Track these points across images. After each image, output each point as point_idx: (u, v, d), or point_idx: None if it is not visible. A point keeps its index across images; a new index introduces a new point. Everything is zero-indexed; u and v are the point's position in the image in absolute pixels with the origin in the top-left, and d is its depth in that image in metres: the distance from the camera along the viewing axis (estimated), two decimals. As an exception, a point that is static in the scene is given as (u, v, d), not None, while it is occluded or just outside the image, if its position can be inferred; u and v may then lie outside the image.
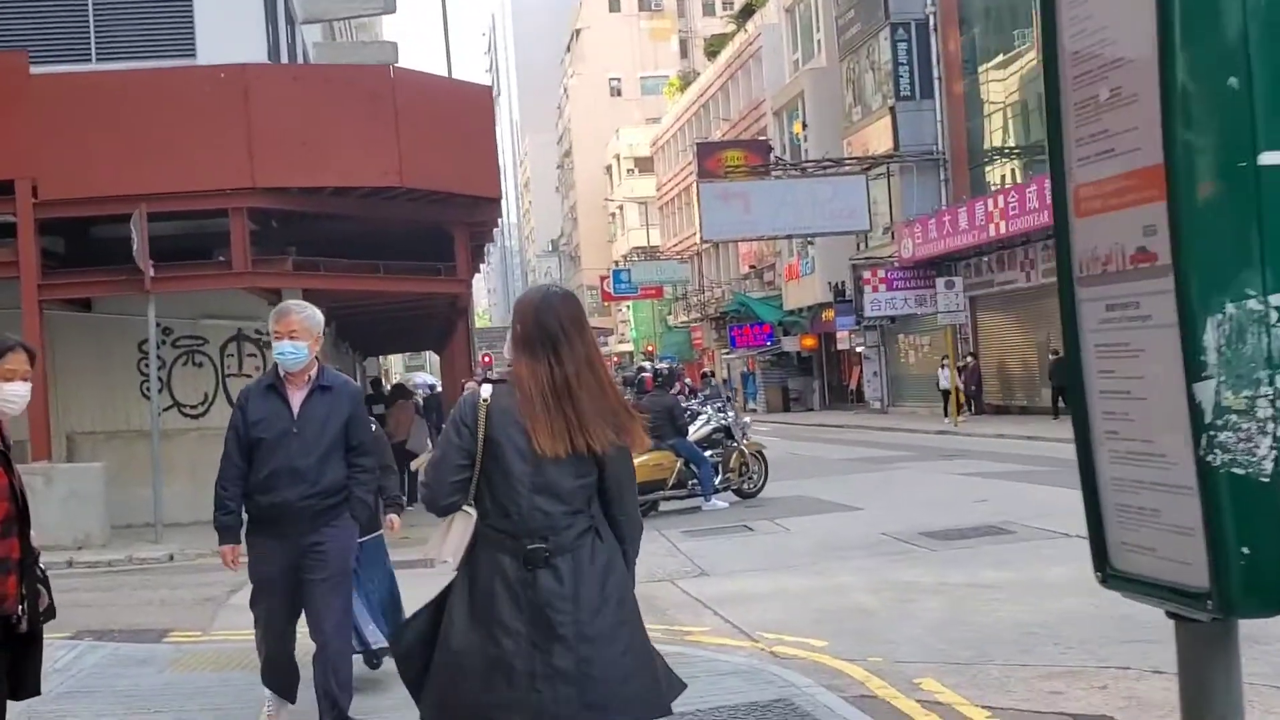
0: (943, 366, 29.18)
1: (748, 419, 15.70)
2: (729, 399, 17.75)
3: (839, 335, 40.06)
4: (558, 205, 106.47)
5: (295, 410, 5.03)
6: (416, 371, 70.37)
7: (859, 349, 38.78)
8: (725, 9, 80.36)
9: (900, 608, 7.42)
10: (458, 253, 14.68)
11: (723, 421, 14.85)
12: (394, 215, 14.14)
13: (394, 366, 66.00)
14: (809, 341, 43.95)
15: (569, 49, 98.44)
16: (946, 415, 28.48)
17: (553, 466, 3.20)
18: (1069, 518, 10.63)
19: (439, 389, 38.78)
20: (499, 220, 16.21)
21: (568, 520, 3.22)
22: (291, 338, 5.00)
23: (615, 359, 79.14)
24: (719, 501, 14.06)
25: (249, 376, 14.83)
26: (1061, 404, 26.28)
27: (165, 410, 14.61)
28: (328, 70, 18.60)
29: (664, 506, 14.22)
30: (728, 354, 51.44)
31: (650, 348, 62.30)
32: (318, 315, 5.19)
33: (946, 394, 28.82)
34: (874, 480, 16.37)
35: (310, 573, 5.01)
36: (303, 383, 5.07)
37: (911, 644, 6.54)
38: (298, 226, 14.86)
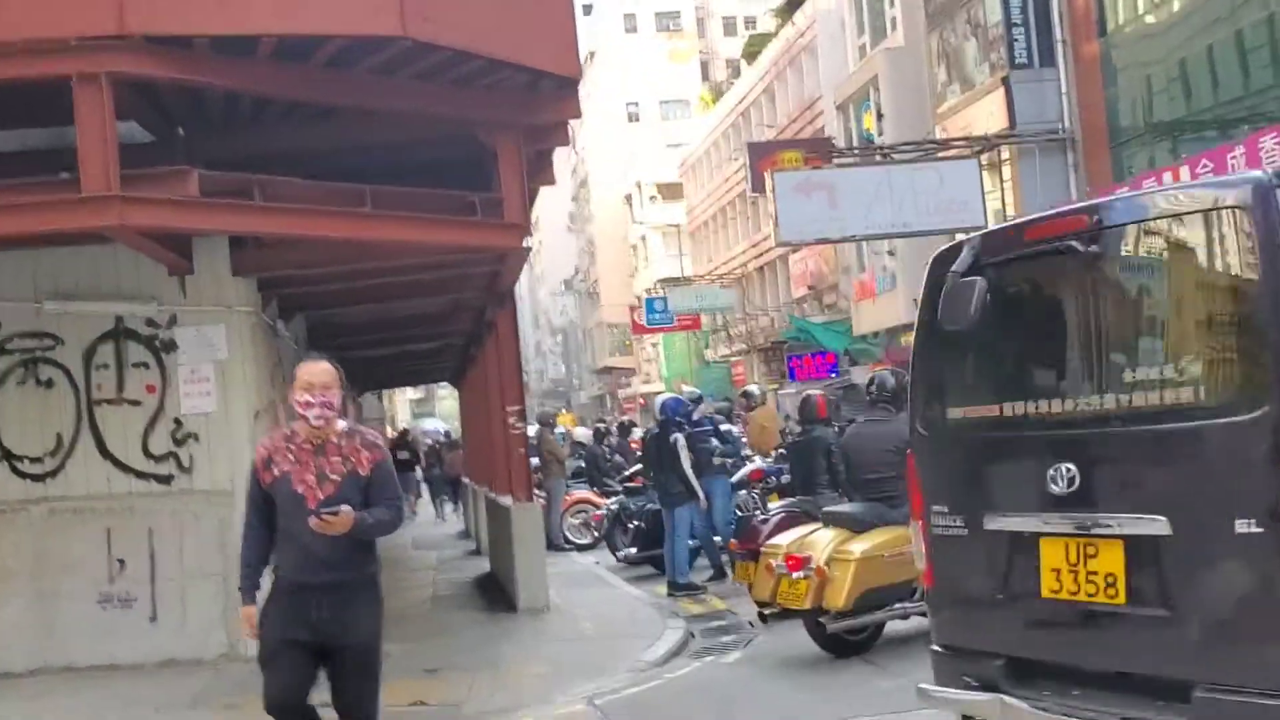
0: None
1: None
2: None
3: (931, 361, 33.53)
4: (568, 244, 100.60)
5: None
6: (425, 418, 63.37)
7: (958, 376, 32.18)
8: (748, 27, 75.12)
9: None
10: (505, 178, 8.09)
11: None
12: (391, 104, 7.60)
13: (400, 412, 59.39)
14: (885, 371, 37.51)
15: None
16: None
17: None
18: None
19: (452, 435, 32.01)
20: (574, 130, 9.55)
21: None
22: None
23: (641, 400, 72.35)
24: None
25: (136, 403, 8.35)
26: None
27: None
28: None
29: (892, 625, 7.70)
30: (778, 389, 45.00)
31: (683, 384, 55.67)
32: None
33: None
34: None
35: None
36: None
37: None
38: (224, 137, 8.40)
